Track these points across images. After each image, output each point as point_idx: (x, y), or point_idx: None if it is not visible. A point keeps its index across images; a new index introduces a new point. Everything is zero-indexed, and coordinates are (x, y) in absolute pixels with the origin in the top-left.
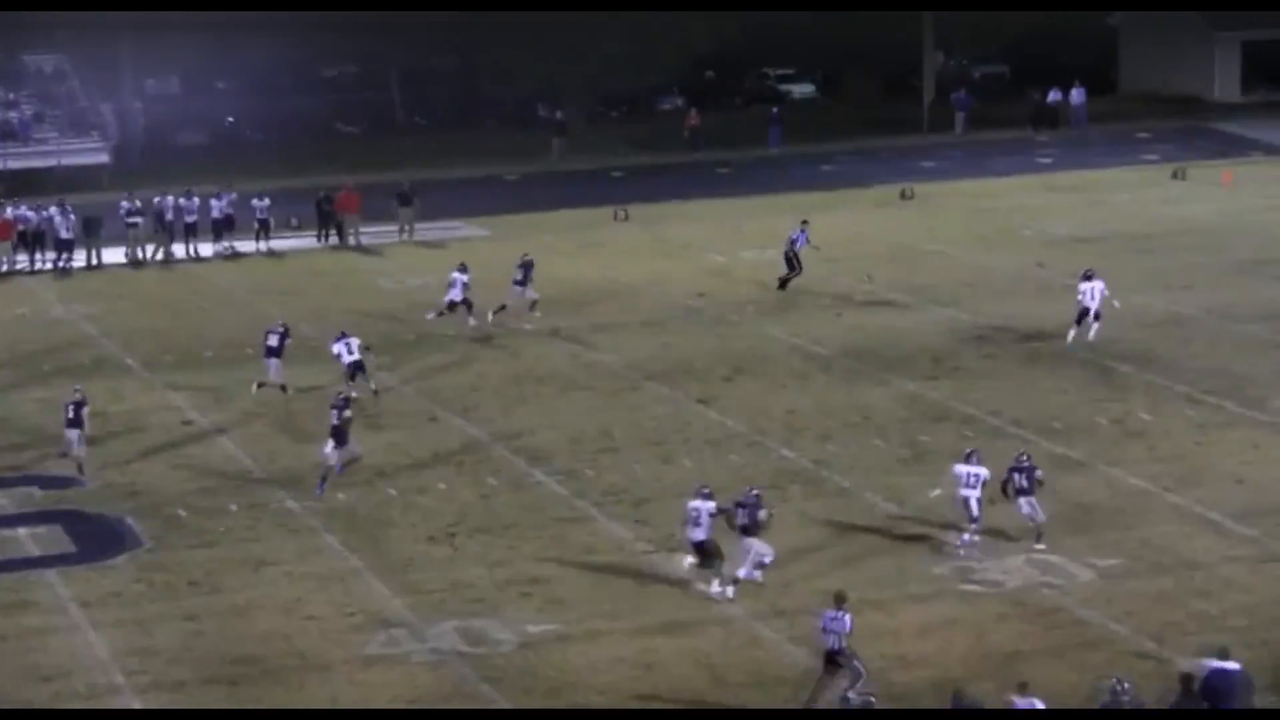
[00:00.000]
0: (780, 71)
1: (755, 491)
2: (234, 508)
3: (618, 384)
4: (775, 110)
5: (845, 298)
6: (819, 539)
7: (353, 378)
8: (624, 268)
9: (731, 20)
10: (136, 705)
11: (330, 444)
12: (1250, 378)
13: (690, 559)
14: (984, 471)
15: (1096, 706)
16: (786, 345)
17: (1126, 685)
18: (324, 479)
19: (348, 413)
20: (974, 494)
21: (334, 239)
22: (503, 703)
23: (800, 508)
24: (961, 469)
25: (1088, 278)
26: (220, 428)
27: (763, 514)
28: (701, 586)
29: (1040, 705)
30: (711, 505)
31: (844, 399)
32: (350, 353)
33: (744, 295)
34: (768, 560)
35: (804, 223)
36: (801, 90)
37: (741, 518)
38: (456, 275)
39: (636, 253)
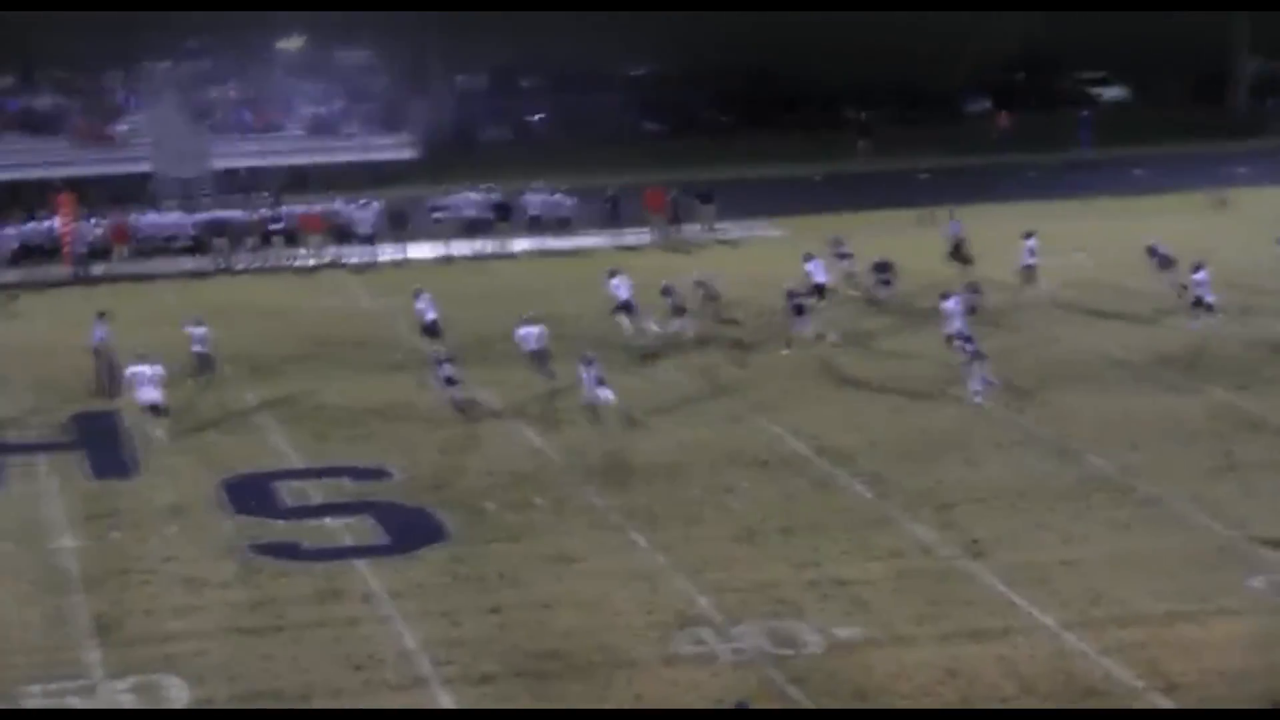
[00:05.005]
0: (1091, 74)
1: None
2: (539, 502)
3: (922, 387)
4: (1085, 113)
5: (1159, 305)
6: (1127, 549)
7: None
8: (926, 269)
9: (1041, 21)
10: (443, 696)
11: None
12: None
13: None
14: None
15: None
16: (1096, 351)
17: None
18: None
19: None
20: None
21: (627, 237)
22: (808, 705)
23: (1108, 516)
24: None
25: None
26: (527, 421)
27: None
28: None
29: None
30: None
31: (1153, 407)
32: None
33: (1051, 299)
34: None
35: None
36: (1111, 93)
37: None
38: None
39: (941, 254)
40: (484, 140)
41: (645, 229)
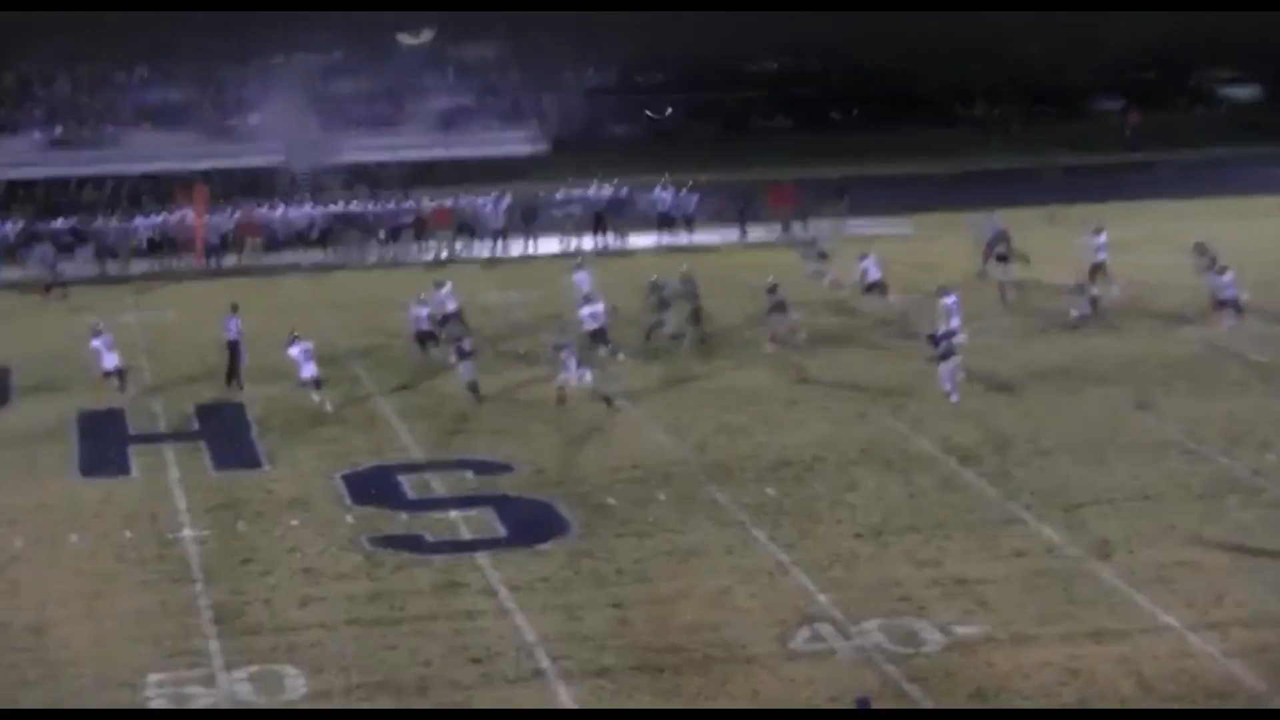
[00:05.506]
0: (1224, 73)
1: None
2: (662, 497)
3: (1049, 387)
4: (1219, 112)
5: None
6: (1255, 550)
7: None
8: (1051, 268)
9: (1173, 21)
10: (560, 689)
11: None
12: None
13: None
14: None
15: None
16: (1225, 352)
17: None
18: None
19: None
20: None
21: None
22: (927, 703)
23: (1237, 518)
24: None
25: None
26: (650, 416)
27: None
28: None
29: None
30: None
31: None
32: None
33: (1181, 300)
34: None
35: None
36: (1244, 92)
37: None
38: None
39: (1065, 254)
40: (611, 135)
41: (775, 226)
